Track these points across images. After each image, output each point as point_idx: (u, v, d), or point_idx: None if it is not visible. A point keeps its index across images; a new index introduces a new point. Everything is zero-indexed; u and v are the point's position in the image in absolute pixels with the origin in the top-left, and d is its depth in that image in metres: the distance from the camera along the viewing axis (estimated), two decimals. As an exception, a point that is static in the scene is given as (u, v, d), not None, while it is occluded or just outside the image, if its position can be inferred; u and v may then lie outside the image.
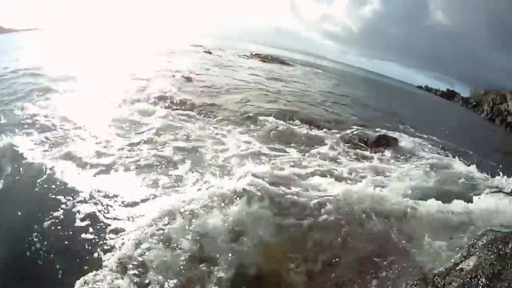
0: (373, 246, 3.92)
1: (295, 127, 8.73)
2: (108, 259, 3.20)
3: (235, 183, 4.54)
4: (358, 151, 7.91)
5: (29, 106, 7.09)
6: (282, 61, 33.72)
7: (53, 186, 4.25)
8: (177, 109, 8.61)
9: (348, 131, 9.44)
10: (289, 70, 28.07)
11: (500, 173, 7.11)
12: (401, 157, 8.02)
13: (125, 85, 10.26)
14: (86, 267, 3.11)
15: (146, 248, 3.27)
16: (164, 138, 6.25)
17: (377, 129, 10.54)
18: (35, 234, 3.49)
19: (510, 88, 31.23)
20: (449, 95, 55.40)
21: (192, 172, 5.00)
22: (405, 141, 9.90)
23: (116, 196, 4.20)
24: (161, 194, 4.36)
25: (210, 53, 27.59)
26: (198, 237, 3.49)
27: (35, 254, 3.32)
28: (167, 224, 3.63)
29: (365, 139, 8.88)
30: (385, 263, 3.66)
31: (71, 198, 4.05)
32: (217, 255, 3.34)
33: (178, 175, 4.93)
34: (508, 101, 29.09)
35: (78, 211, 3.86)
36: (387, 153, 8.05)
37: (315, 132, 8.70)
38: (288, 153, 6.70)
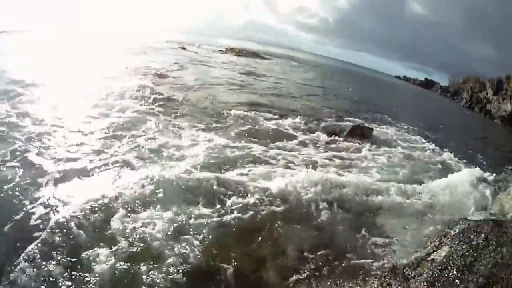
0: (325, 236, 3.81)
1: (263, 121, 8.20)
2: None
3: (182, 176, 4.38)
4: (329, 142, 7.49)
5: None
6: (257, 55, 33.42)
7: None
8: (145, 106, 7.94)
9: (323, 123, 9.01)
10: (263, 63, 27.68)
11: (477, 160, 6.90)
12: (374, 147, 7.67)
13: (94, 84, 9.40)
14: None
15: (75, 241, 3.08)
16: (124, 133, 5.93)
17: (353, 120, 10.22)
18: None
19: (488, 76, 31.81)
20: (428, 84, 56.55)
21: (141, 166, 4.71)
22: (381, 131, 9.60)
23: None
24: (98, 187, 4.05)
25: (184, 49, 26.82)
26: (135, 234, 3.28)
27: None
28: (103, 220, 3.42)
29: (339, 130, 8.47)
30: (345, 254, 3.53)
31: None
32: (155, 253, 3.11)
33: (125, 171, 4.57)
34: (487, 89, 29.66)
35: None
36: (361, 143, 7.69)
37: (285, 124, 8.22)
38: (251, 147, 6.15)
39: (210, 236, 3.43)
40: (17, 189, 3.80)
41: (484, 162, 8.75)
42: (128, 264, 2.92)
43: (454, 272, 2.62)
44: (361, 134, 8.37)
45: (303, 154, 6.35)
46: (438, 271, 2.69)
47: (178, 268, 2.95)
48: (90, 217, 3.43)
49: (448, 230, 3.36)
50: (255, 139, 6.68)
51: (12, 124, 5.56)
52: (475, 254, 2.73)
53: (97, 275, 2.75)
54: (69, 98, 7.54)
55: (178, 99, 9.18)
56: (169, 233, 3.35)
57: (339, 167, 5.95)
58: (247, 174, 4.90)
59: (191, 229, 3.46)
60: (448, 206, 4.64)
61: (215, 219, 3.71)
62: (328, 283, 3.12)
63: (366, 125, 9.60)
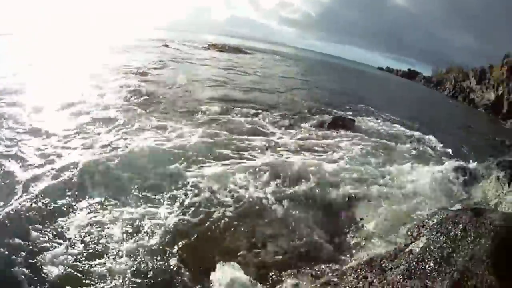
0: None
1: (239, 116, 7.95)
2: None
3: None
4: (309, 134, 7.35)
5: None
6: (239, 50, 33.10)
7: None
8: (122, 104, 7.70)
9: (304, 116, 8.87)
10: (246, 58, 27.39)
11: (461, 148, 6.89)
12: (354, 137, 7.55)
13: (75, 84, 9.02)
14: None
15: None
16: (98, 129, 5.90)
17: (336, 112, 10.09)
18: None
19: (470, 66, 32.35)
20: (411, 75, 57.16)
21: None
22: (364, 122, 9.52)
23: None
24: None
25: (167, 46, 26.29)
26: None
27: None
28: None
29: (320, 121, 8.35)
30: (317, 245, 3.48)
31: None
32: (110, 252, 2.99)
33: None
34: (471, 79, 30.12)
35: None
36: (340, 134, 7.59)
37: (263, 119, 8.02)
38: (222, 142, 5.95)
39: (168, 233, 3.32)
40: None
41: (468, 150, 8.80)
42: (83, 263, 2.81)
43: (431, 264, 2.52)
44: (342, 125, 8.27)
45: (278, 145, 6.25)
46: (415, 263, 2.59)
47: (132, 268, 2.83)
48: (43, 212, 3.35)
49: (427, 220, 3.26)
50: (229, 134, 6.45)
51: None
52: (452, 246, 2.61)
53: (49, 274, 2.65)
54: (48, 98, 7.25)
55: (156, 96, 8.89)
56: (125, 231, 3.25)
57: (309, 155, 5.93)
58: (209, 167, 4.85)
59: (147, 227, 3.36)
60: (428, 195, 4.56)
61: (173, 216, 3.62)
62: (303, 277, 2.99)
63: (349, 116, 9.52)
